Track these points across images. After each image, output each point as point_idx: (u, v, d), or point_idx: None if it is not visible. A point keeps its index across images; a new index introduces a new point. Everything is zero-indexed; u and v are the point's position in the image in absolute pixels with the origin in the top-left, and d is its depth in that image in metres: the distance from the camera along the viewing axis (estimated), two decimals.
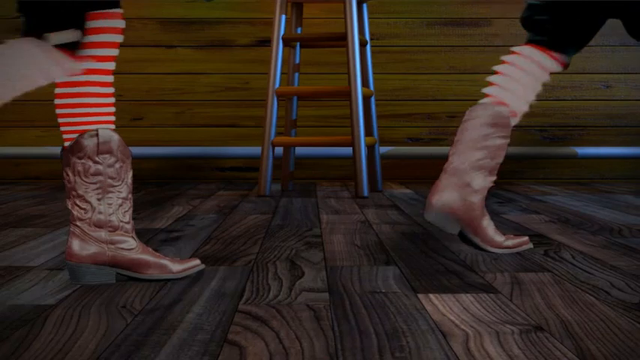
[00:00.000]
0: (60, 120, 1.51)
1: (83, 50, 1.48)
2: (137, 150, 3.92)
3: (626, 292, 1.41)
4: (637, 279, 1.53)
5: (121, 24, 1.52)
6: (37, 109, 3.98)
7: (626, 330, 1.16)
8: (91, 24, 1.49)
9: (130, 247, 1.50)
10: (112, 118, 1.53)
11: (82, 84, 1.49)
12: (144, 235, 2.10)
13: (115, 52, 1.53)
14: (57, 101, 1.51)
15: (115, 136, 1.48)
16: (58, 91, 1.51)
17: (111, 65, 1.52)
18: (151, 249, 1.53)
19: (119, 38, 1.52)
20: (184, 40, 3.94)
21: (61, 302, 1.33)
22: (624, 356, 1.03)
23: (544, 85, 3.99)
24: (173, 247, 1.92)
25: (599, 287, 1.46)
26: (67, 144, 1.50)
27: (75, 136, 1.49)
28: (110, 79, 1.52)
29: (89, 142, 1.46)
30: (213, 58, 3.97)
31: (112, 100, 1.53)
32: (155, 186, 3.74)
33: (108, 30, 1.50)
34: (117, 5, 1.52)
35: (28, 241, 2.00)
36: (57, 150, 3.91)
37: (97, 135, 1.46)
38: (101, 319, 1.21)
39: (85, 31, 1.47)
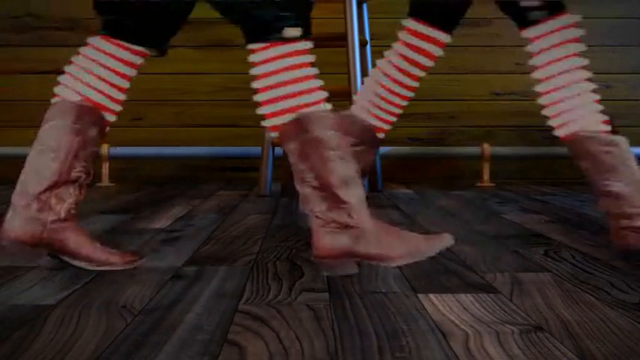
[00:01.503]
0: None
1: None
2: (137, 150, 3.92)
3: (626, 292, 1.41)
4: (637, 279, 1.53)
5: None
6: (37, 109, 3.97)
7: (626, 330, 1.16)
8: None
9: None
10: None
11: None
12: (144, 235, 2.10)
13: None
14: None
15: None
16: None
17: None
18: None
19: None
20: (184, 40, 3.94)
21: (61, 302, 1.33)
22: (624, 356, 1.03)
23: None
24: (173, 247, 1.92)
25: (599, 287, 1.46)
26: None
27: None
28: None
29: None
30: (213, 58, 3.97)
31: None
32: (155, 186, 3.74)
33: None
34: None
35: None
36: None
37: None
38: (101, 319, 1.21)
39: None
